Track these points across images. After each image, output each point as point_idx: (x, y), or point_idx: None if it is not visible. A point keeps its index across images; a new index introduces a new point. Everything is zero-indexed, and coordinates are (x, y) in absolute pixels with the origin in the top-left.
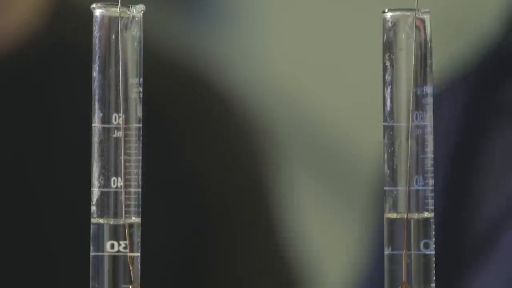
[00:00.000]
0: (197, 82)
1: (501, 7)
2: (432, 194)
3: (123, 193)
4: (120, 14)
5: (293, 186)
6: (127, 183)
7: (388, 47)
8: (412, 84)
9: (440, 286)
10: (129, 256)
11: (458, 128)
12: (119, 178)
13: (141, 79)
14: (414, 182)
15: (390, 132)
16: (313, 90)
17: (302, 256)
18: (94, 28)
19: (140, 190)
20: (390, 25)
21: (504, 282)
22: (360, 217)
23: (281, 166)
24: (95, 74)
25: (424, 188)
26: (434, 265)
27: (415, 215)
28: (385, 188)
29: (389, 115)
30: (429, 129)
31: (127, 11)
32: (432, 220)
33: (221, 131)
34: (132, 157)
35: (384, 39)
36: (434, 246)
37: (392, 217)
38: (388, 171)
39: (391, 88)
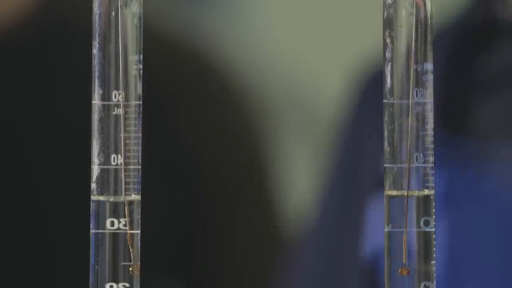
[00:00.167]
0: (195, 59)
1: None
2: (433, 171)
3: (122, 170)
4: None
5: (290, 162)
6: (127, 160)
7: (389, 24)
8: (412, 61)
9: None
10: (128, 237)
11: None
12: (119, 156)
13: (141, 56)
14: (414, 159)
15: (390, 109)
16: (312, 67)
17: (298, 232)
18: (94, 5)
19: (140, 167)
20: (390, 2)
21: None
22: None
23: (279, 142)
24: (95, 51)
25: (424, 165)
26: (434, 242)
27: (415, 193)
28: (385, 165)
29: (389, 92)
30: (429, 106)
31: None
32: (432, 197)
33: (219, 108)
34: (132, 134)
35: (384, 16)
36: (434, 223)
37: (392, 194)
38: (388, 148)
39: (391, 65)
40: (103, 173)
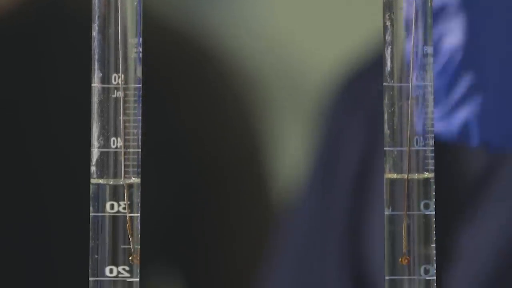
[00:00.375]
0: (190, 42)
1: None
2: (433, 155)
3: (122, 153)
4: None
5: (286, 143)
6: (127, 143)
7: (389, 6)
8: (413, 44)
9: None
10: (128, 227)
11: None
12: (119, 139)
13: (141, 39)
14: (415, 143)
15: (390, 92)
16: (311, 51)
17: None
18: None
19: (139, 150)
20: None
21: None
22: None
23: (272, 121)
24: (94, 33)
25: (424, 148)
26: (434, 225)
27: (415, 176)
28: (385, 148)
29: (389, 75)
30: (430, 89)
31: None
32: (432, 181)
33: (213, 91)
34: (132, 117)
35: None
36: (434, 206)
37: (392, 177)
38: (388, 131)
39: (391, 48)
40: (103, 156)
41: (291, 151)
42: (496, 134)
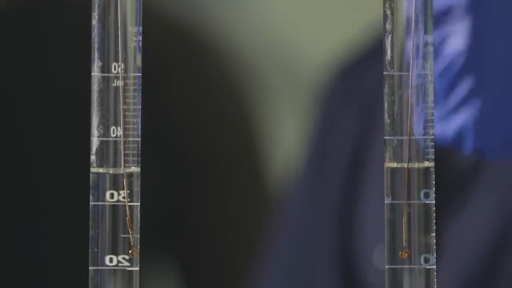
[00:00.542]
0: (188, 32)
1: None
2: (433, 144)
3: (122, 142)
4: None
5: (282, 132)
6: (126, 132)
7: None
8: (413, 33)
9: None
10: (128, 220)
11: None
12: (119, 128)
13: (141, 28)
14: (415, 132)
15: (390, 81)
16: (309, 42)
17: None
18: None
19: (139, 139)
20: None
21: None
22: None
23: (267, 108)
24: (94, 22)
25: (424, 137)
26: (434, 214)
27: (416, 165)
28: (385, 137)
29: (390, 64)
30: (430, 78)
31: None
32: (432, 170)
33: (209, 78)
34: (131, 106)
35: None
36: (434, 195)
37: (392, 166)
38: (388, 120)
39: (392, 37)
40: (103, 145)
41: (287, 141)
42: (491, 142)
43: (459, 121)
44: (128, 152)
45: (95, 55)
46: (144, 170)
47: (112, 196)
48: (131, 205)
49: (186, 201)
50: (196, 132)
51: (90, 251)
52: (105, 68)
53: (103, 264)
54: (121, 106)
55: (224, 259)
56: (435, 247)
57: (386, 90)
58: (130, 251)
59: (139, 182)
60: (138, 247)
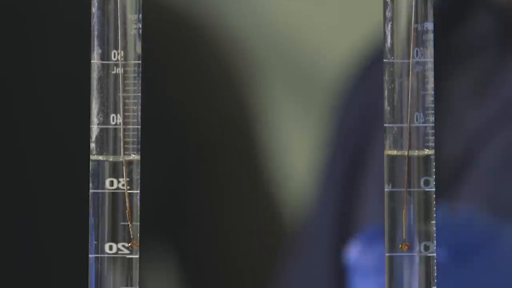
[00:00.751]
0: (188, 21)
1: None
2: (433, 131)
3: (121, 130)
4: None
5: (280, 121)
6: (126, 120)
7: None
8: (413, 20)
9: None
10: (128, 213)
11: None
12: (118, 115)
13: (140, 15)
14: (415, 119)
15: (390, 68)
16: (311, 29)
17: (286, 187)
18: None
19: (139, 127)
20: None
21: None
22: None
23: (269, 103)
24: (94, 10)
25: (424, 125)
26: (434, 202)
27: (416, 152)
28: (385, 125)
29: (390, 51)
30: (430, 66)
31: None
32: (432, 157)
33: (209, 70)
34: (131, 94)
35: None
36: (434, 183)
37: (392, 154)
38: (388, 108)
39: (392, 25)
40: (102, 132)
41: (287, 132)
42: None
43: None
44: (128, 139)
45: (95, 42)
46: (142, 157)
47: (112, 183)
48: (130, 193)
49: (186, 190)
50: (196, 121)
51: (90, 238)
52: (104, 56)
53: (103, 251)
54: (120, 94)
55: (223, 249)
56: (435, 235)
57: (386, 77)
58: (130, 244)
59: (139, 170)
60: (138, 239)
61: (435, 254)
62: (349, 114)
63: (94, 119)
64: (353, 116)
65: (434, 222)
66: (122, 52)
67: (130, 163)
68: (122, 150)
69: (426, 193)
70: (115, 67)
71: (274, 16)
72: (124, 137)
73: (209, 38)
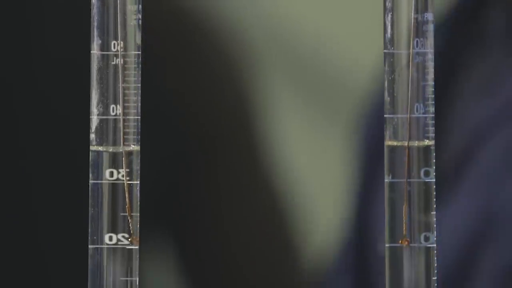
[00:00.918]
0: (187, 14)
1: None
2: (433, 122)
3: (121, 120)
4: None
5: (279, 113)
6: (126, 110)
7: None
8: (413, 11)
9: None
10: (127, 208)
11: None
12: (118, 106)
13: (140, 6)
14: (415, 110)
15: (390, 59)
16: (310, 19)
17: (286, 179)
18: None
19: (139, 117)
20: None
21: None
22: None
23: (269, 94)
24: (93, 0)
25: (424, 115)
26: (434, 193)
27: (416, 143)
28: (385, 115)
29: (390, 42)
30: (430, 56)
31: None
32: (432, 148)
33: (208, 62)
34: (131, 84)
35: None
36: (434, 173)
37: (392, 144)
38: (389, 98)
39: (392, 15)
40: (102, 123)
41: (285, 122)
42: None
43: None
44: (127, 130)
45: (95, 33)
46: (143, 150)
47: (111, 174)
48: (130, 184)
49: (185, 182)
50: (196, 113)
51: (89, 229)
52: (104, 46)
53: (103, 242)
54: (120, 84)
55: (222, 240)
56: (435, 226)
57: (386, 68)
58: (129, 239)
59: (139, 161)
60: (138, 234)
61: (435, 245)
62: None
63: (94, 109)
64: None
65: (434, 213)
66: (122, 42)
67: (130, 153)
68: (122, 140)
69: (426, 184)
70: (115, 58)
71: (274, 7)
72: (124, 128)
73: (208, 30)
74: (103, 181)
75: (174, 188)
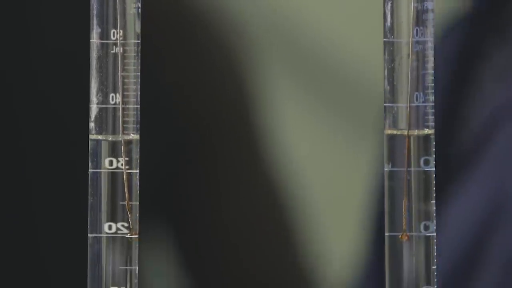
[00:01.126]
0: (186, 6)
1: None
2: (433, 111)
3: (121, 109)
4: None
5: (278, 102)
6: (126, 99)
7: None
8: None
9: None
10: (127, 206)
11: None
12: (118, 95)
13: None
14: (415, 99)
15: (390, 48)
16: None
17: (286, 172)
18: None
19: (138, 106)
20: None
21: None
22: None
23: (267, 83)
24: None
25: (424, 104)
26: (434, 182)
27: (415, 132)
28: (385, 104)
29: (389, 30)
30: (430, 45)
31: None
32: (432, 137)
33: (202, 49)
34: (131, 73)
35: None
36: (434, 163)
37: (392, 133)
38: (388, 87)
39: (391, 4)
40: (102, 112)
41: (285, 114)
42: None
43: None
44: (127, 119)
45: (94, 21)
46: (143, 142)
47: (111, 163)
48: (129, 172)
49: (185, 174)
50: (196, 104)
51: (89, 218)
52: (104, 35)
53: (102, 231)
54: (119, 73)
55: (222, 233)
56: (434, 215)
57: (386, 57)
58: (128, 234)
59: (138, 150)
60: (137, 229)
61: (435, 234)
62: None
63: (93, 98)
64: None
65: (434, 201)
66: (121, 31)
67: (129, 142)
68: (121, 129)
69: (426, 173)
70: (114, 47)
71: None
72: (123, 116)
73: (209, 21)
74: (103, 170)
75: (174, 180)
